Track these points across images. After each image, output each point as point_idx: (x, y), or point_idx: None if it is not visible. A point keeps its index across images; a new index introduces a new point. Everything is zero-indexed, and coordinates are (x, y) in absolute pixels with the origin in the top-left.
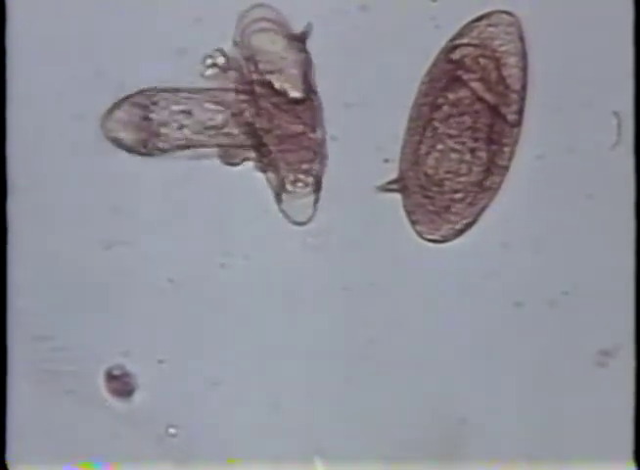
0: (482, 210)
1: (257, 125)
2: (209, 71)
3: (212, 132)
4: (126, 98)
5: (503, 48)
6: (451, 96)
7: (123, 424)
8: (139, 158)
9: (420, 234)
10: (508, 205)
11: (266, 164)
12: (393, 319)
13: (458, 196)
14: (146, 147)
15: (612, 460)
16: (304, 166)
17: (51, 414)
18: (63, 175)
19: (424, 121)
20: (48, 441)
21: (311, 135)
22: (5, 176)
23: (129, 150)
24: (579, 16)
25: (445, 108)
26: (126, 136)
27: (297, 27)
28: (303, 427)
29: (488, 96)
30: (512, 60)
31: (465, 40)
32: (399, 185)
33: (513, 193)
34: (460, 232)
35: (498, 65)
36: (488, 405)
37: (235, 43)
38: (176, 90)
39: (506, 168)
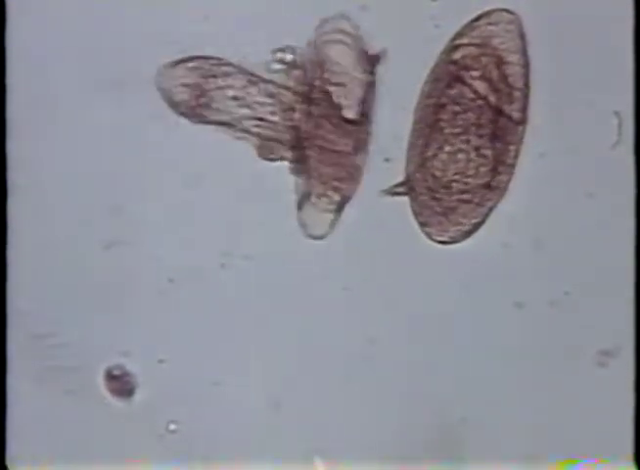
0: (490, 210)
1: (303, 129)
2: (276, 66)
3: (259, 122)
4: (191, 59)
5: (504, 46)
6: (454, 94)
7: (123, 424)
8: (139, 158)
9: (429, 236)
10: (508, 204)
11: (300, 168)
12: (394, 319)
13: (466, 196)
14: (191, 110)
15: (612, 460)
16: (335, 183)
17: (51, 414)
18: (63, 175)
19: (428, 122)
20: (48, 441)
21: (352, 157)
22: (5, 176)
23: (174, 106)
24: (579, 16)
25: (449, 107)
26: (176, 93)
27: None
28: (303, 427)
29: (491, 95)
30: (513, 58)
31: (465, 40)
32: (406, 188)
33: (513, 192)
34: (469, 233)
35: (499, 63)
36: (488, 405)
37: (309, 45)
38: (239, 70)
39: (512, 167)
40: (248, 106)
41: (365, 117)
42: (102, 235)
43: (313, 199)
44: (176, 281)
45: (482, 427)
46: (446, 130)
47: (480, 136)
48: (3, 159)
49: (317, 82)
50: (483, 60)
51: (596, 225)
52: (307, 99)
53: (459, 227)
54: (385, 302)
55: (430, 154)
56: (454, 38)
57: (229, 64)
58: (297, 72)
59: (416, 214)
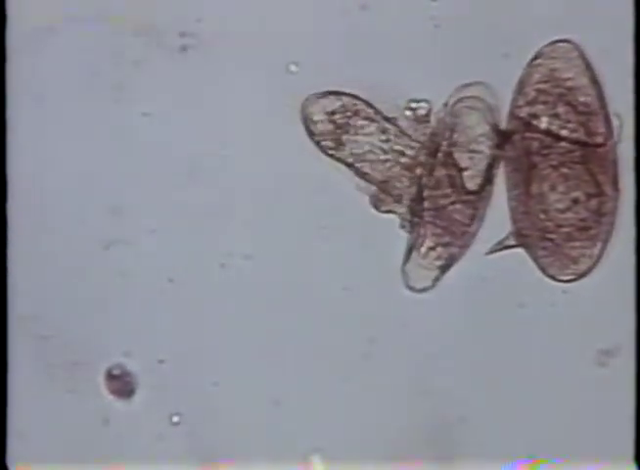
0: (609, 234)
1: (424, 186)
2: (408, 113)
3: (379, 173)
4: (339, 94)
5: (569, 76)
6: (532, 142)
7: (123, 423)
8: (139, 158)
9: (554, 278)
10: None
11: (412, 224)
12: (393, 319)
13: (579, 230)
14: (325, 143)
15: (612, 460)
16: (446, 240)
17: (51, 414)
18: (62, 175)
19: (520, 170)
20: (48, 441)
21: (466, 225)
22: (5, 176)
23: (311, 135)
24: (579, 16)
25: (534, 153)
26: (315, 123)
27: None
28: (303, 426)
29: (565, 129)
30: (582, 82)
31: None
32: (516, 238)
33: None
34: (594, 264)
35: (565, 95)
36: (488, 405)
37: (445, 105)
38: (378, 115)
39: (617, 188)
40: (375, 153)
41: (486, 188)
42: (102, 235)
43: (421, 253)
44: (176, 281)
45: (482, 426)
46: (540, 172)
47: (574, 168)
48: (3, 159)
49: (445, 143)
50: (548, 99)
51: None
52: (432, 158)
53: (581, 261)
54: (384, 301)
55: (530, 198)
56: (519, 85)
57: (370, 105)
58: (426, 128)
59: (535, 260)
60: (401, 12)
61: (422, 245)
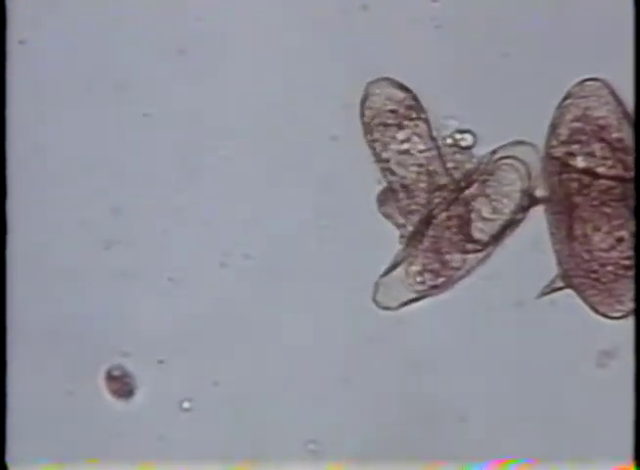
0: None
1: (434, 213)
2: (448, 140)
3: (398, 183)
4: (404, 89)
5: (601, 114)
6: (570, 182)
7: (123, 424)
8: (139, 158)
9: (605, 315)
10: None
11: (411, 245)
12: (393, 318)
13: (623, 269)
14: (366, 127)
15: (612, 461)
16: (435, 267)
17: (51, 415)
18: (63, 175)
19: (563, 212)
20: (48, 441)
21: (460, 270)
22: (5, 176)
23: (362, 116)
24: (579, 16)
25: (574, 194)
26: (368, 106)
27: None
28: (303, 427)
29: (602, 167)
30: (614, 119)
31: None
32: (564, 280)
33: None
34: None
35: (600, 132)
36: (488, 405)
37: (490, 153)
38: (427, 131)
39: None
40: (407, 160)
41: (490, 246)
42: (102, 235)
43: (408, 272)
44: (176, 281)
45: (481, 427)
46: (581, 214)
47: (613, 205)
48: (3, 158)
49: (474, 185)
50: (583, 138)
51: None
52: (456, 192)
53: (628, 296)
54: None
55: (574, 239)
56: (553, 126)
57: (422, 118)
58: (465, 161)
59: (584, 299)
60: (401, 12)
61: (411, 265)
